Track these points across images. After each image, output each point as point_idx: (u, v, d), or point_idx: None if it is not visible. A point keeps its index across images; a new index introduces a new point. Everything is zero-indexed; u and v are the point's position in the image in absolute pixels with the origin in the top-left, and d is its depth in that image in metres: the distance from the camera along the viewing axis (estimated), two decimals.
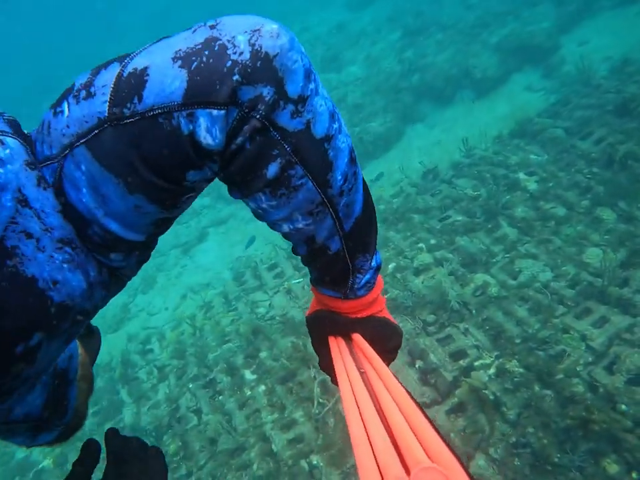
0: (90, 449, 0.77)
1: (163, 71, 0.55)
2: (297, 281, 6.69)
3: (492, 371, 4.28)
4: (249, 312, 6.56)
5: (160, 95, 0.55)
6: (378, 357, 0.69)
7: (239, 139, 0.58)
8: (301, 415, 4.79)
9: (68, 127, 0.58)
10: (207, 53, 0.55)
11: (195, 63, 0.55)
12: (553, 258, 5.14)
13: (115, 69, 0.59)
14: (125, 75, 0.57)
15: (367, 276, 0.80)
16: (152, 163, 0.58)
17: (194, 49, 0.56)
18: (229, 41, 0.56)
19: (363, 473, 0.42)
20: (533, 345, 4.32)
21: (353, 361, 0.70)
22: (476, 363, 4.34)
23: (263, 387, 5.41)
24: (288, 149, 0.60)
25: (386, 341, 0.83)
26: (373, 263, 0.80)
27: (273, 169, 0.61)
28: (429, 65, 10.29)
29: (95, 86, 0.58)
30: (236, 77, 0.54)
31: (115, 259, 0.66)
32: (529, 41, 9.60)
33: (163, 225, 0.70)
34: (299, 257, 0.83)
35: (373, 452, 0.47)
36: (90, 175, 0.58)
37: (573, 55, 9.22)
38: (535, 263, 5.14)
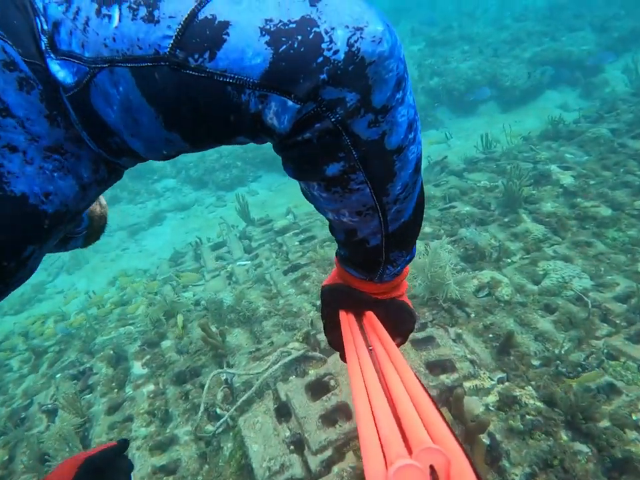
0: None
1: (247, 40, 0.50)
2: (243, 263, 5.19)
3: (491, 398, 2.71)
4: (173, 296, 5.01)
5: (236, 64, 0.51)
6: (387, 334, 0.70)
7: (307, 134, 0.55)
8: (187, 432, 3.15)
9: (114, 40, 0.53)
10: (299, 38, 0.50)
11: (284, 46, 0.50)
12: (593, 264, 3.71)
13: (189, 2, 0.52)
14: (199, 16, 0.51)
15: (399, 268, 0.80)
16: (205, 121, 0.56)
17: (286, 27, 0.50)
18: (326, 32, 0.50)
19: (365, 449, 0.43)
20: (561, 370, 2.76)
21: (362, 337, 0.70)
22: (467, 384, 2.77)
23: (150, 387, 3.80)
24: (355, 155, 0.57)
25: (400, 324, 0.86)
26: (408, 257, 0.81)
27: (334, 169, 0.59)
28: (450, 70, 9.38)
29: (159, 9, 0.52)
30: (323, 76, 0.51)
31: (124, 161, 0.66)
32: (567, 59, 8.70)
33: (184, 152, 0.67)
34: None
35: (377, 429, 0.46)
36: (127, 98, 0.55)
37: (617, 79, 8.24)
38: (566, 267, 3.67)
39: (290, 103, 0.52)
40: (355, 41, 0.51)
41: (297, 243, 5.08)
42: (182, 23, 0.51)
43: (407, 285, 0.89)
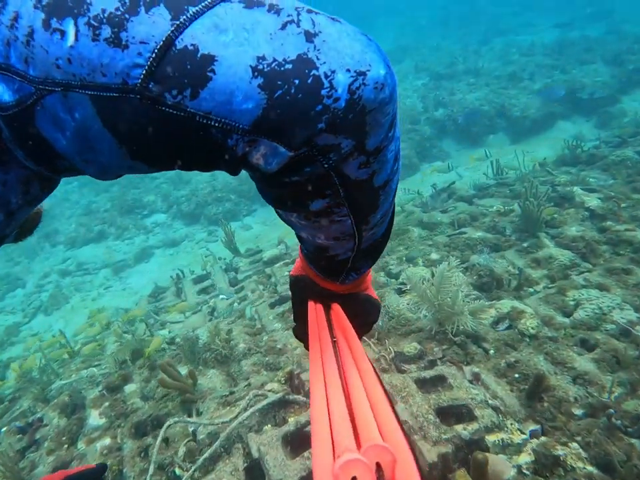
0: None
1: (237, 81, 0.46)
2: (226, 296, 4.70)
3: (525, 458, 2.14)
4: (144, 334, 4.50)
5: (223, 108, 0.47)
6: (352, 329, 0.71)
7: (295, 177, 0.54)
8: None
9: (69, 61, 0.47)
10: (297, 82, 0.46)
11: (280, 92, 0.46)
12: (635, 294, 3.19)
13: (163, 24, 0.46)
14: (177, 45, 0.46)
15: (362, 273, 0.82)
16: (180, 155, 0.53)
17: (282, 69, 0.46)
18: (326, 76, 0.47)
19: (315, 440, 0.44)
20: (615, 422, 2.20)
21: (328, 328, 0.72)
22: (491, 438, 2.21)
23: (106, 441, 3.24)
24: (342, 194, 0.57)
25: (363, 316, 0.88)
26: (373, 264, 0.82)
27: (318, 205, 0.59)
28: (456, 101, 9.23)
29: (127, 31, 0.46)
30: (321, 125, 0.48)
31: (66, 175, 0.63)
32: (581, 90, 8.49)
33: (143, 173, 0.62)
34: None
35: (330, 421, 0.48)
36: (84, 126, 0.50)
37: (635, 109, 7.99)
38: (603, 297, 3.16)
39: (282, 149, 0.49)
40: (357, 88, 0.48)
41: (286, 274, 4.60)
42: (156, 51, 0.46)
43: (371, 276, 0.91)
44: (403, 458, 0.41)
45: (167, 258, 8.35)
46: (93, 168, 0.56)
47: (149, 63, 0.46)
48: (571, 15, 13.39)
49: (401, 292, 3.62)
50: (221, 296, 4.74)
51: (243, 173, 0.58)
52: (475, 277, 3.65)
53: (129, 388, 3.67)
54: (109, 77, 0.47)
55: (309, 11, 0.50)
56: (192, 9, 0.47)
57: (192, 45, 0.46)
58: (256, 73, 0.46)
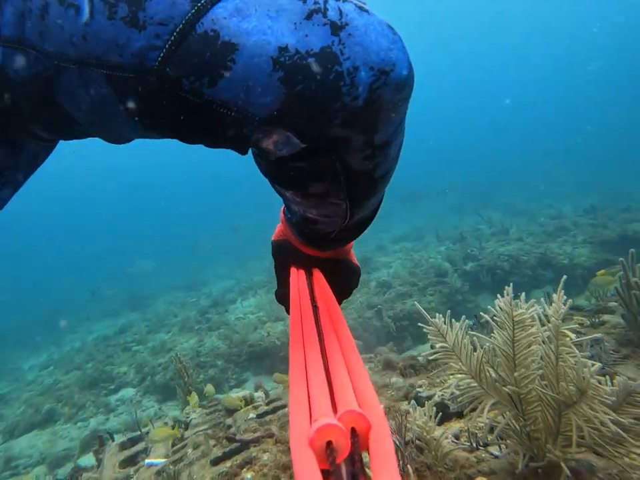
0: None
1: (257, 73, 0.47)
2: (154, 462, 3.04)
3: None
4: None
5: (241, 99, 0.48)
6: (332, 295, 0.74)
7: (300, 164, 0.56)
8: None
9: (84, 38, 0.48)
10: (318, 78, 0.47)
11: (300, 87, 0.47)
12: None
13: (182, 6, 0.47)
14: (197, 29, 0.46)
15: (344, 245, 0.85)
16: (193, 132, 0.55)
17: (304, 62, 0.46)
18: (349, 72, 0.47)
19: (293, 404, 0.46)
20: None
21: (309, 294, 0.74)
22: None
23: None
24: (343, 181, 0.59)
25: (343, 282, 0.90)
26: (357, 237, 0.83)
27: (317, 188, 0.62)
28: (487, 253, 8.39)
29: (145, 11, 0.47)
30: (337, 121, 0.50)
31: (78, 138, 0.67)
32: (633, 237, 7.72)
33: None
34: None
35: (308, 385, 0.49)
36: (100, 101, 0.52)
37: None
38: None
39: (295, 140, 0.51)
40: (378, 88, 0.49)
41: (252, 416, 3.03)
42: (175, 34, 0.46)
43: (351, 243, 0.91)
44: (378, 425, 0.42)
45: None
46: (107, 135, 0.58)
47: (167, 46, 0.46)
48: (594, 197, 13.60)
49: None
50: (147, 461, 3.07)
51: None
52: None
53: None
54: (124, 58, 0.47)
55: (341, 11, 0.48)
56: None
57: (212, 30, 0.46)
58: (277, 66, 0.46)
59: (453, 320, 1.62)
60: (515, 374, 1.48)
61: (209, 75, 0.47)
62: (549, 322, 1.42)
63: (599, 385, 1.25)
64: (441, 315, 1.61)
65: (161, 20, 0.46)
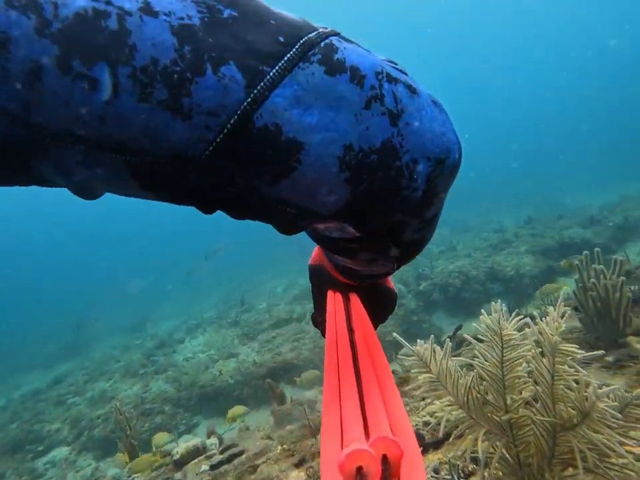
0: None
1: (323, 174, 0.44)
2: None
3: None
4: None
5: (304, 198, 0.46)
6: (368, 319, 0.74)
7: (354, 245, 0.57)
8: None
9: (102, 120, 0.40)
10: (379, 175, 0.46)
11: (365, 185, 0.46)
12: None
13: (236, 92, 0.40)
14: (257, 124, 0.41)
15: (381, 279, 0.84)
16: (219, 209, 0.51)
17: (368, 160, 0.45)
18: (408, 166, 0.47)
19: (325, 428, 0.46)
20: None
21: (346, 318, 0.74)
22: None
23: None
24: (393, 251, 0.58)
25: (380, 308, 0.88)
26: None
27: (367, 256, 0.61)
28: (439, 272, 8.52)
29: (192, 98, 0.40)
30: (397, 215, 0.50)
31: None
32: (570, 243, 8.17)
33: None
34: None
35: (341, 410, 0.49)
36: (105, 178, 0.45)
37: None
38: None
39: (350, 229, 0.51)
40: (435, 177, 0.49)
41: (204, 468, 2.74)
42: (229, 126, 0.40)
43: None
44: (411, 453, 0.41)
45: None
46: (81, 191, 0.48)
47: (218, 139, 0.40)
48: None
49: None
50: None
51: None
52: None
53: None
54: (159, 146, 0.40)
55: (389, 79, 0.46)
56: (269, 73, 0.41)
57: (274, 124, 0.41)
58: (343, 166, 0.44)
59: (436, 345, 1.49)
60: (508, 401, 1.36)
61: (269, 174, 0.43)
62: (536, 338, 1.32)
63: (607, 409, 1.14)
64: (422, 341, 1.47)
65: (211, 109, 0.40)
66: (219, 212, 0.51)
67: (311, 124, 0.42)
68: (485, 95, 59.05)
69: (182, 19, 0.39)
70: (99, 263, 38.50)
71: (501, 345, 1.37)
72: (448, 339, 3.83)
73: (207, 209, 0.48)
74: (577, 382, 1.19)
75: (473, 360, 1.49)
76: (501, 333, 1.36)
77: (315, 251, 0.90)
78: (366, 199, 0.46)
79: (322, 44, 0.43)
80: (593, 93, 48.77)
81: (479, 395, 1.46)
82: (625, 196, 11.95)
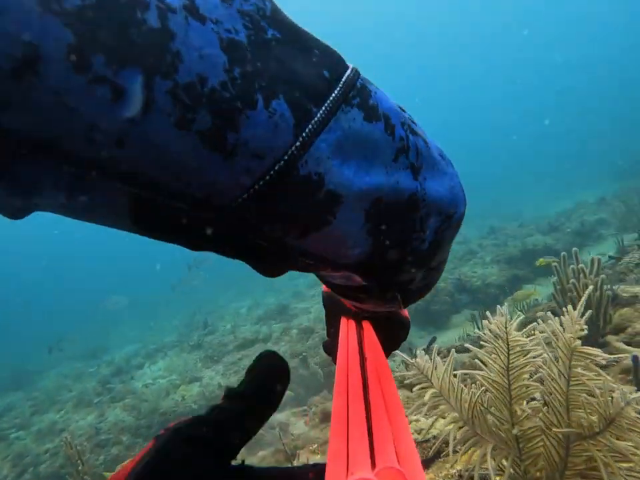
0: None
1: (352, 228, 0.42)
2: None
3: None
4: None
5: (328, 251, 0.43)
6: (380, 347, 0.71)
7: (362, 295, 0.56)
8: None
9: (120, 143, 0.32)
10: (398, 228, 0.45)
11: (382, 237, 0.44)
12: None
13: (286, 133, 0.35)
14: (301, 172, 0.36)
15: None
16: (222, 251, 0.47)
17: (392, 213, 0.43)
18: (421, 219, 0.46)
19: (331, 454, 0.44)
20: None
21: (358, 345, 0.72)
22: None
23: None
24: (401, 300, 0.56)
25: (392, 336, 0.83)
26: None
27: (373, 302, 0.59)
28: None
29: (238, 133, 0.34)
30: (406, 267, 0.49)
31: None
32: (533, 250, 8.39)
33: None
34: None
35: (347, 436, 0.48)
36: (89, 207, 0.38)
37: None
38: None
39: (357, 278, 0.49)
40: (442, 231, 0.49)
41: None
42: (272, 173, 0.35)
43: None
44: None
45: None
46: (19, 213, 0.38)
47: (257, 186, 0.35)
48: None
49: None
50: None
51: None
52: None
53: None
54: (186, 185, 0.33)
55: (412, 132, 0.44)
56: (317, 114, 0.36)
57: (317, 173, 0.37)
58: (368, 218, 0.42)
59: (436, 356, 1.36)
60: (518, 412, 1.25)
61: (302, 229, 0.39)
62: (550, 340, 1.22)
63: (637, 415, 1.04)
64: (421, 351, 1.35)
65: (257, 150, 0.34)
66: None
67: (349, 176, 0.39)
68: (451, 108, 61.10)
69: (229, 31, 0.33)
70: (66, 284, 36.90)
71: (507, 351, 1.27)
72: (423, 352, 3.74)
73: (200, 248, 0.42)
74: (599, 387, 1.09)
75: (474, 370, 1.39)
76: (507, 338, 1.25)
77: None
78: (383, 251, 0.45)
79: (358, 85, 0.39)
80: (549, 103, 51.40)
81: (482, 408, 1.34)
82: (579, 202, 12.48)
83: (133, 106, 0.30)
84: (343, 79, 0.38)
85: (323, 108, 0.36)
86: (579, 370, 1.13)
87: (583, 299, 1.12)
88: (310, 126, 0.35)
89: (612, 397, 1.07)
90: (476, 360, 1.36)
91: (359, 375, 0.60)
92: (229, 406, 0.53)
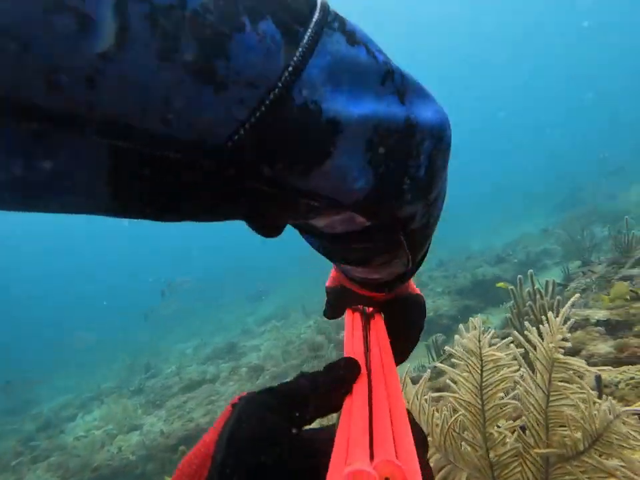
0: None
1: (354, 157, 0.39)
2: None
3: None
4: None
5: (334, 187, 0.40)
6: (387, 340, 0.70)
7: (368, 245, 0.54)
8: None
9: (90, 82, 0.28)
10: (396, 155, 0.43)
11: (382, 168, 0.42)
12: None
13: (277, 57, 0.33)
14: (297, 101, 0.33)
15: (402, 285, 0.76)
16: (223, 213, 0.45)
17: (390, 139, 0.41)
18: (417, 145, 0.45)
19: (335, 447, 0.44)
20: None
21: (363, 337, 0.72)
22: None
23: None
24: (406, 245, 0.54)
25: (408, 324, 0.80)
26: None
27: (382, 259, 0.57)
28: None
29: (229, 60, 0.31)
30: (408, 197, 0.47)
31: None
32: (482, 280, 8.63)
33: None
34: None
35: (349, 430, 0.48)
36: (58, 174, 0.34)
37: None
38: None
39: (360, 218, 0.46)
40: (435, 155, 0.47)
41: None
42: (267, 103, 0.32)
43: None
44: (412, 478, 0.41)
45: None
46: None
47: (253, 119, 0.32)
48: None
49: None
50: None
51: None
52: None
53: None
54: (171, 128, 0.30)
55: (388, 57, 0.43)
56: (304, 35, 0.33)
57: (313, 102, 0.34)
58: (368, 146, 0.40)
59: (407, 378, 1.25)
60: (494, 435, 1.15)
61: (304, 163, 0.35)
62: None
63: (631, 428, 0.97)
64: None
65: (251, 78, 0.30)
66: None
67: (343, 101, 0.37)
68: None
69: None
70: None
71: (480, 367, 1.18)
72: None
73: (192, 215, 0.39)
74: (583, 400, 1.01)
75: (446, 392, 1.28)
76: (481, 353, 1.17)
77: (333, 272, 0.84)
78: (384, 182, 0.43)
79: (331, 10, 0.37)
80: (485, 139, 54.37)
81: (454, 433, 1.24)
82: (524, 233, 13.06)
83: (103, 36, 0.26)
84: (319, 1, 0.36)
85: (309, 30, 0.34)
86: (560, 383, 1.05)
87: (561, 315, 1.05)
88: (300, 49, 0.33)
89: (598, 411, 0.99)
90: (447, 380, 1.26)
91: (363, 368, 0.58)
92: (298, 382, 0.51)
